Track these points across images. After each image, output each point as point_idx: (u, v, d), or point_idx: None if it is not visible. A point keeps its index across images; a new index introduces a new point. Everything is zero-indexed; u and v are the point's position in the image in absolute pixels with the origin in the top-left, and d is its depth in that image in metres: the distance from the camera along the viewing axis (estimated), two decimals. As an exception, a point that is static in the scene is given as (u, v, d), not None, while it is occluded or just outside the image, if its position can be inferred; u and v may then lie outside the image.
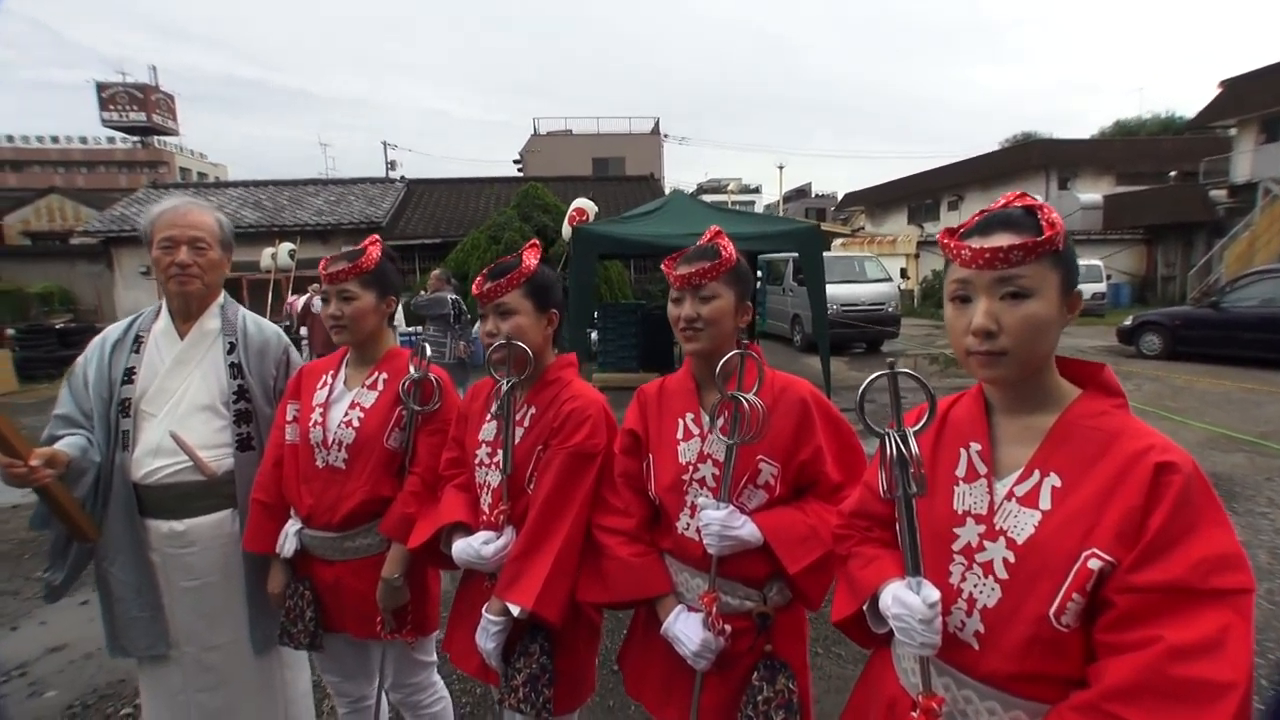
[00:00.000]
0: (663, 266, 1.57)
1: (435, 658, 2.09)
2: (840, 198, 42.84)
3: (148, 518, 1.93)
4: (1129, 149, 26.79)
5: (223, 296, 2.08)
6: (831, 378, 8.01)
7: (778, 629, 1.49)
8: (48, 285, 17.76)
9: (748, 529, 1.42)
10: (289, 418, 1.92)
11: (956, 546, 1.07)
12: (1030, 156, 25.48)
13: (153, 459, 1.90)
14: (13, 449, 1.64)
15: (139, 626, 1.94)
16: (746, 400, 1.39)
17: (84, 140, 44.15)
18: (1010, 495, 1.03)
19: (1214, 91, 19.61)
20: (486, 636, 1.62)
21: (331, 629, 1.91)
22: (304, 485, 1.86)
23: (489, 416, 1.74)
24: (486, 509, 1.70)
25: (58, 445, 1.83)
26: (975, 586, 1.03)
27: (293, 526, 1.88)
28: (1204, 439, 6.56)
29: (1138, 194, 21.83)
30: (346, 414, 1.86)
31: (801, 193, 53.50)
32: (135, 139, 42.12)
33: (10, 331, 13.00)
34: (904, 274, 23.87)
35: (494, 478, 1.68)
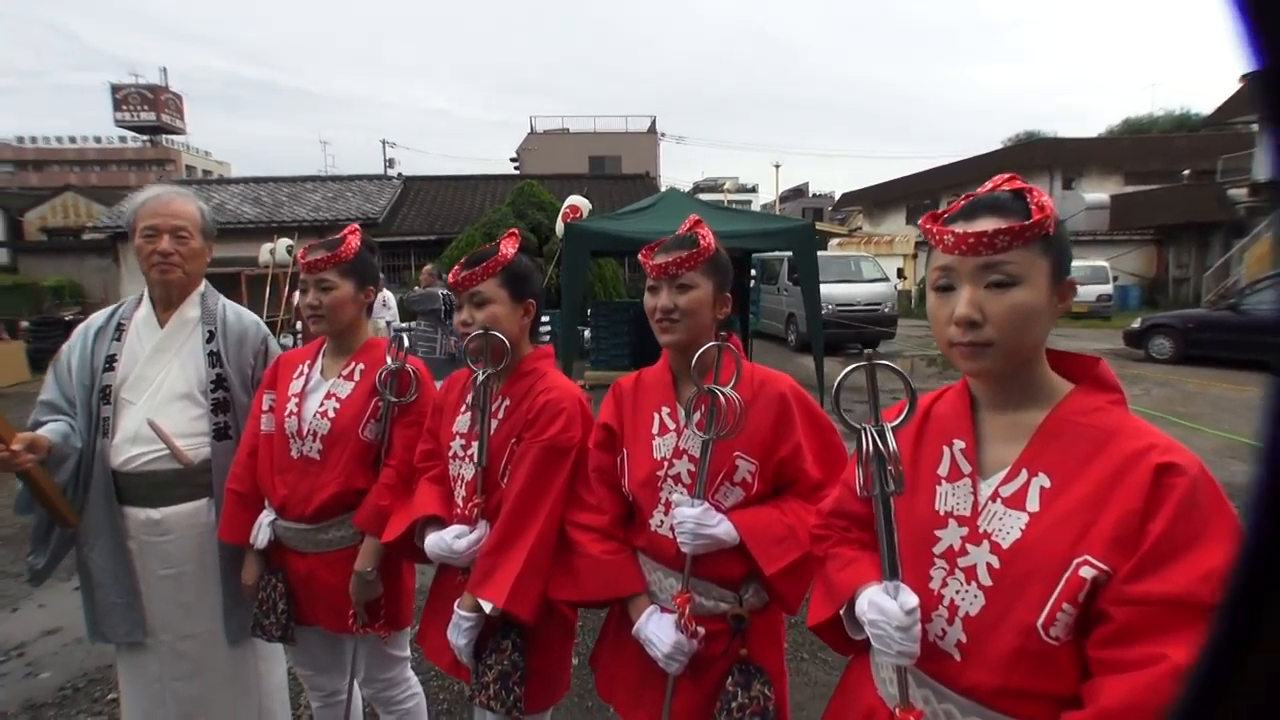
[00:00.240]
0: (639, 256, 1.54)
1: (409, 653, 2.07)
2: (838, 197, 42.81)
3: (125, 505, 1.93)
4: (1138, 147, 26.17)
5: (203, 285, 2.07)
6: (825, 378, 7.99)
7: (753, 633, 1.45)
8: (60, 279, 18.30)
9: (723, 527, 1.38)
10: (265, 407, 1.89)
11: (938, 550, 1.01)
12: (1033, 156, 24.94)
13: (131, 446, 1.90)
14: None
15: (117, 613, 1.94)
16: (723, 394, 1.35)
17: (98, 140, 45.71)
18: (995, 496, 0.97)
19: (1234, 86, 19.10)
20: (458, 632, 1.59)
21: (304, 622, 1.89)
22: (278, 476, 1.84)
23: (464, 408, 1.71)
24: (460, 502, 1.67)
25: (40, 431, 1.84)
26: (957, 593, 0.98)
27: (266, 517, 1.86)
28: (1220, 447, 6.36)
29: (1149, 193, 21.24)
30: (322, 404, 1.83)
31: (799, 192, 53.46)
32: (145, 138, 43.40)
33: (25, 324, 13.17)
34: (901, 274, 23.83)
35: (468, 470, 1.66)
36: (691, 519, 1.36)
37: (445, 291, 6.99)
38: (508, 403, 1.67)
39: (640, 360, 10.04)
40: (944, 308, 0.98)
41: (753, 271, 12.92)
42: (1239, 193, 19.02)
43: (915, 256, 24.53)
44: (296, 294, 8.37)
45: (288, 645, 1.95)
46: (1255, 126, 19.17)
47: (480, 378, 1.62)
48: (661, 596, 1.48)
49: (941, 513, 1.02)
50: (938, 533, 1.02)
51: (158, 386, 1.94)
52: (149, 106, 39.47)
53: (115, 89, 39.26)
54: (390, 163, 31.08)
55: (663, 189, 18.14)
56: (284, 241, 10.64)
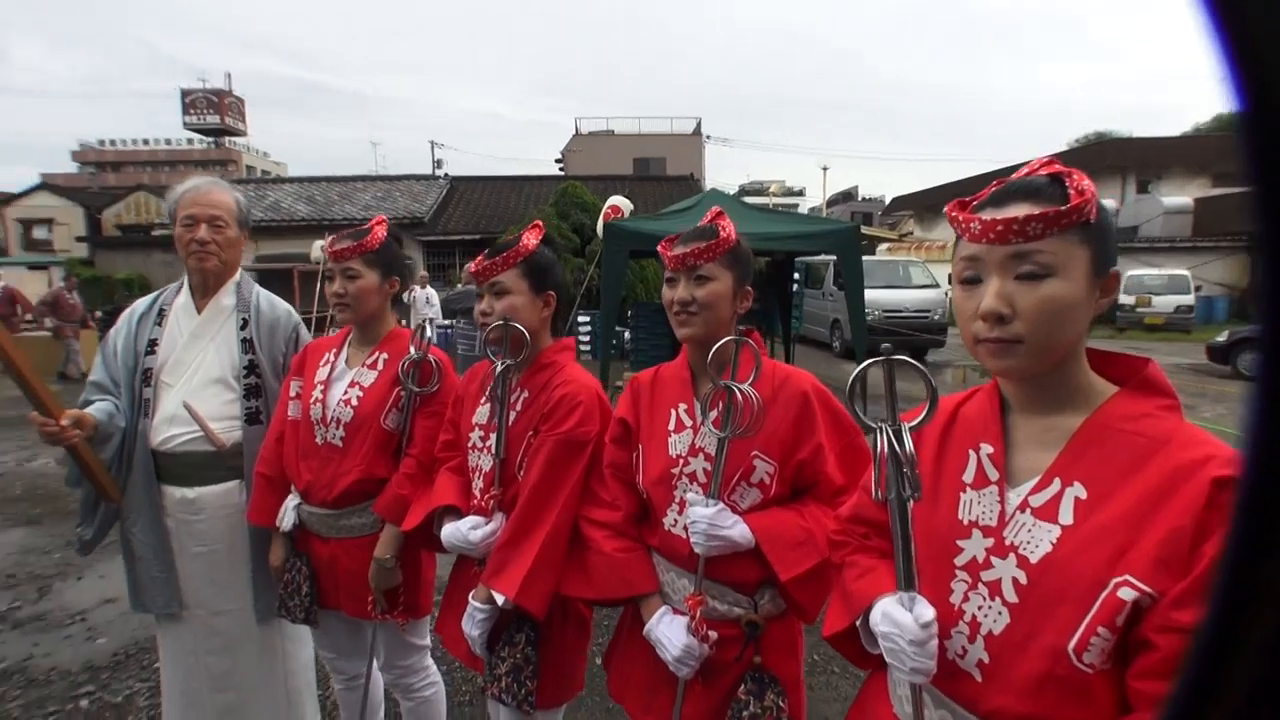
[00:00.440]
0: (658, 248, 1.50)
1: (428, 642, 2.08)
2: (888, 201, 41.96)
3: (164, 483, 2.00)
4: (1229, 146, 24.46)
5: (239, 274, 2.12)
6: (869, 386, 7.79)
7: (769, 640, 1.40)
8: (130, 273, 19.50)
9: (738, 530, 1.34)
10: (292, 394, 1.93)
11: (960, 561, 0.94)
12: (1103, 156, 23.30)
13: (169, 427, 1.97)
14: (47, 409, 1.77)
15: (156, 585, 2.02)
16: (740, 391, 1.31)
17: (168, 141, 48.64)
18: (1024, 506, 0.89)
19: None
20: (472, 623, 1.59)
21: (327, 605, 1.92)
22: (303, 461, 1.86)
23: (484, 399, 1.70)
24: (478, 494, 1.67)
25: (87, 410, 1.92)
26: (980, 609, 0.91)
27: (292, 501, 1.89)
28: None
29: (1241, 196, 19.97)
30: (346, 392, 1.85)
31: (848, 196, 52.51)
32: (210, 139, 45.84)
33: (98, 314, 13.89)
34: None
35: (486, 462, 1.65)
36: (705, 519, 1.32)
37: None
38: (526, 395, 1.66)
39: (679, 361, 9.98)
40: (970, 301, 0.90)
41: (796, 275, 12.74)
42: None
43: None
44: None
45: (311, 627, 1.98)
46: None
47: (499, 369, 1.61)
48: (674, 598, 1.44)
49: (965, 522, 0.95)
50: (960, 543, 0.95)
51: (194, 370, 2.00)
52: (214, 110, 41.84)
53: (185, 94, 41.77)
54: (438, 163, 31.75)
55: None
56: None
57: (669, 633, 1.38)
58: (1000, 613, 0.89)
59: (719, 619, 1.39)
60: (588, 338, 12.42)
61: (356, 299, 1.82)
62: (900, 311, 12.90)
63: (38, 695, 2.79)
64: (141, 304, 2.11)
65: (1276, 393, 0.31)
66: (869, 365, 0.99)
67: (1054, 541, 0.85)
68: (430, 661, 2.09)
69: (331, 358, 1.92)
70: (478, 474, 1.68)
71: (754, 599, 1.41)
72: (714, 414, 1.36)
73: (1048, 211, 0.83)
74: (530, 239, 1.66)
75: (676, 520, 1.42)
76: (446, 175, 22.65)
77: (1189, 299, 17.03)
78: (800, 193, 55.74)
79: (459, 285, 7.88)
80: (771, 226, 7.67)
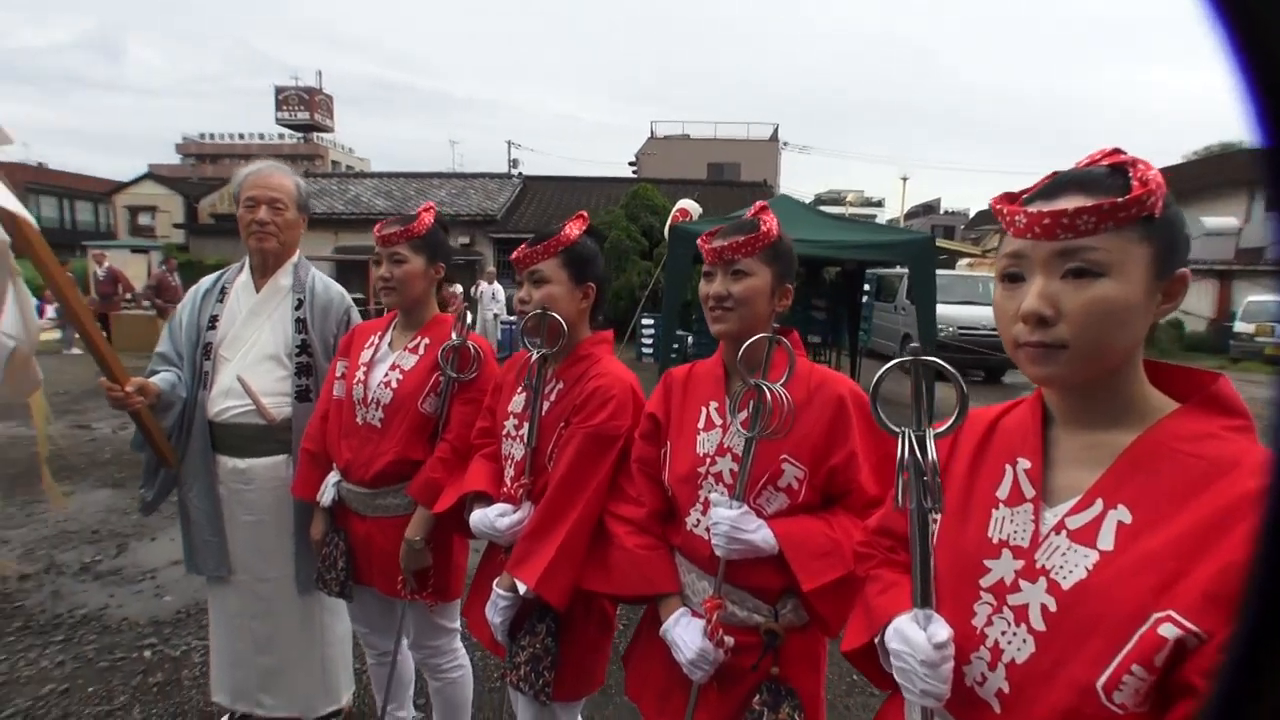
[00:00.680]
0: (698, 241, 1.47)
1: (458, 625, 2.10)
2: (972, 215, 40.42)
3: (218, 453, 2.11)
4: None
5: (297, 256, 2.21)
6: (935, 404, 7.51)
7: (788, 652, 1.34)
8: (219, 258, 21.13)
9: (761, 534, 1.28)
10: (338, 374, 1.98)
11: (985, 582, 0.87)
12: (1224, 170, 20.93)
13: (224, 399, 2.07)
14: (114, 376, 1.89)
15: (208, 549, 2.14)
16: (770, 390, 1.26)
17: (261, 136, 51.37)
18: (1060, 527, 0.82)
19: None
20: (495, 610, 1.60)
21: (361, 581, 1.97)
22: (344, 440, 1.91)
23: (519, 388, 1.71)
24: (508, 481, 1.67)
25: (151, 379, 2.04)
26: (1003, 634, 0.84)
27: (333, 478, 1.95)
28: None
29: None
30: (386, 375, 1.89)
31: (929, 208, 50.88)
32: (299, 135, 48.14)
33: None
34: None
35: (518, 450, 1.65)
36: (728, 521, 1.28)
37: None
38: (561, 386, 1.65)
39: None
40: (1011, 301, 0.83)
41: (866, 287, 12.39)
42: None
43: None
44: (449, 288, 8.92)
45: (346, 601, 2.04)
46: None
47: (534, 357, 1.61)
48: (694, 600, 1.40)
49: (995, 540, 0.88)
50: (988, 563, 0.87)
51: (250, 346, 2.10)
52: (305, 107, 43.67)
53: (278, 91, 43.81)
54: (514, 163, 32.51)
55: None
56: None
57: (685, 635, 1.34)
58: (1025, 640, 0.81)
59: (738, 625, 1.34)
60: (650, 340, 12.43)
61: (402, 283, 1.86)
62: (977, 329, 12.36)
63: (109, 642, 3.00)
64: (206, 281, 2.23)
65: None
66: (893, 366, 0.93)
67: (1090, 568, 0.78)
68: (459, 645, 2.11)
69: (376, 340, 1.97)
70: (509, 462, 1.69)
71: (775, 608, 1.35)
72: (743, 414, 1.31)
73: (1101, 203, 0.75)
74: (573, 229, 1.65)
75: (699, 521, 1.38)
76: (520, 174, 23.12)
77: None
78: (879, 204, 54.30)
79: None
80: (841, 234, 7.49)
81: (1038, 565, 0.82)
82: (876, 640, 0.99)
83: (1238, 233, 18.90)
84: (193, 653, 2.91)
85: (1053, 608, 0.79)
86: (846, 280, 10.84)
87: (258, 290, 2.15)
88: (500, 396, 1.79)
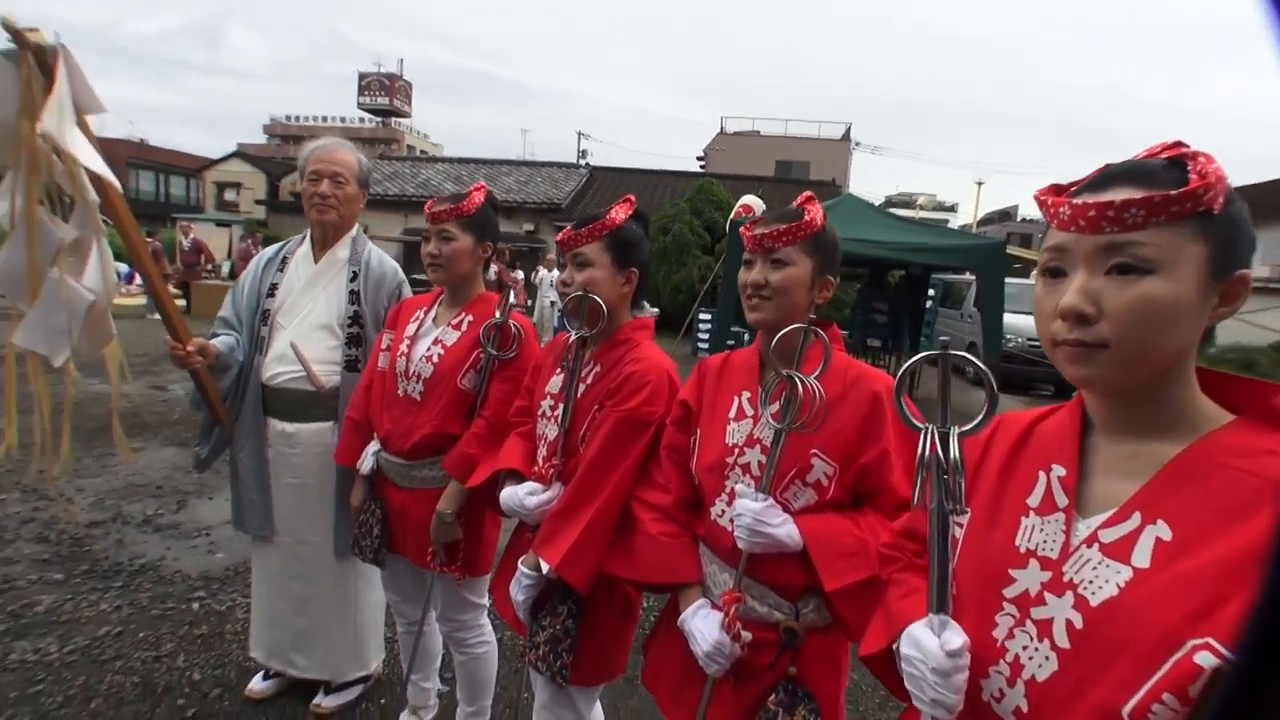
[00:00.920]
0: (740, 230, 1.44)
1: (486, 601, 2.13)
2: (1051, 224, 38.55)
3: (269, 416, 2.20)
4: None
5: (355, 229, 2.27)
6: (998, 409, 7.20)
7: (808, 652, 1.31)
8: (294, 234, 21.71)
9: (785, 529, 1.25)
10: (384, 345, 2.03)
11: (1009, 592, 0.82)
12: None
13: (277, 364, 2.15)
14: (178, 334, 1.98)
15: (255, 509, 2.23)
16: (802, 381, 1.23)
17: (342, 120, 53.27)
18: (1092, 540, 0.77)
19: None
20: (518, 588, 1.61)
21: (395, 550, 2.02)
22: (385, 410, 1.96)
23: (558, 369, 1.71)
24: (540, 461, 1.68)
25: (212, 340, 2.13)
26: (1024, 649, 0.79)
27: (373, 447, 2.00)
28: None
29: None
30: (429, 349, 1.93)
31: (1005, 215, 48.79)
32: (379, 119, 49.87)
33: None
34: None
35: (551, 431, 1.66)
36: (751, 513, 1.25)
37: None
38: (598, 369, 1.65)
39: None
40: (1051, 297, 0.78)
41: (931, 292, 12.00)
42: None
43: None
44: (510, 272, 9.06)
45: (380, 569, 2.09)
46: None
47: (573, 338, 1.61)
48: (714, 592, 1.38)
49: (1022, 549, 0.83)
50: (1013, 572, 0.83)
51: (305, 315, 2.17)
52: (385, 92, 45.63)
53: (361, 76, 45.95)
54: (583, 153, 32.80)
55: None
56: None
57: (702, 626, 1.32)
58: (1047, 657, 0.76)
59: (757, 621, 1.32)
60: (707, 334, 12.35)
61: (449, 260, 1.89)
62: (1046, 341, 11.81)
63: (162, 592, 3.18)
64: (269, 251, 2.32)
65: None
66: (922, 359, 0.89)
67: (1121, 585, 0.72)
68: (485, 620, 2.15)
69: (421, 315, 2.01)
70: (543, 442, 1.70)
71: (797, 606, 1.32)
72: (774, 405, 1.28)
73: (1152, 196, 0.70)
74: (619, 213, 1.64)
75: (724, 511, 1.36)
76: (588, 165, 23.29)
77: None
78: (951, 208, 52.45)
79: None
80: (906, 236, 7.28)
81: (1065, 578, 0.77)
82: (894, 646, 0.95)
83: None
84: (237, 609, 3.04)
85: (1079, 624, 0.74)
86: (911, 284, 10.53)
87: (316, 261, 2.22)
88: (539, 377, 1.80)
